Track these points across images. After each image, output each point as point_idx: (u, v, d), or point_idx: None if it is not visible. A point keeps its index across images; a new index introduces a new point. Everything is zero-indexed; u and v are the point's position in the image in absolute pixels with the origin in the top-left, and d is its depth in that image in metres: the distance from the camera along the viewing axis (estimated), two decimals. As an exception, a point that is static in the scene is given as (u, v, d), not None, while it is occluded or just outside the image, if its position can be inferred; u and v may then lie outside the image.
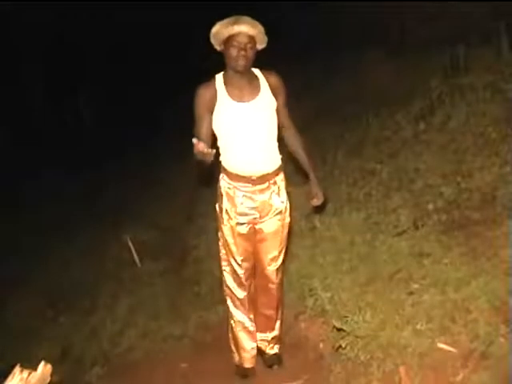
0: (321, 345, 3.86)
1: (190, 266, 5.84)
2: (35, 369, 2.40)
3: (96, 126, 14.46)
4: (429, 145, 5.17)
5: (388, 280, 3.92)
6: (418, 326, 3.36)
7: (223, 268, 3.71)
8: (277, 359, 3.92)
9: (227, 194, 3.47)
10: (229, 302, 3.77)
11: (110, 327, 5.29)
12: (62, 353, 5.22)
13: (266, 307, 3.84)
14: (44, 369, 2.42)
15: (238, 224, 3.51)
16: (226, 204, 3.49)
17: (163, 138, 9.89)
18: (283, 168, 3.60)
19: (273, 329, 3.91)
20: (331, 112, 7.25)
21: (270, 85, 3.45)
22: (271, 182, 3.50)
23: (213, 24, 3.29)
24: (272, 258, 3.70)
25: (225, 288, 3.77)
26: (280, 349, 3.98)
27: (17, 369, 2.37)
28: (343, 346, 3.55)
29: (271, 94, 3.44)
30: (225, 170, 3.48)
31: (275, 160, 3.51)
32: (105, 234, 7.64)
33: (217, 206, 3.59)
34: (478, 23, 6.38)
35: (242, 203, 3.46)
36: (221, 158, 3.48)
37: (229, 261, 3.65)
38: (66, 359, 5.09)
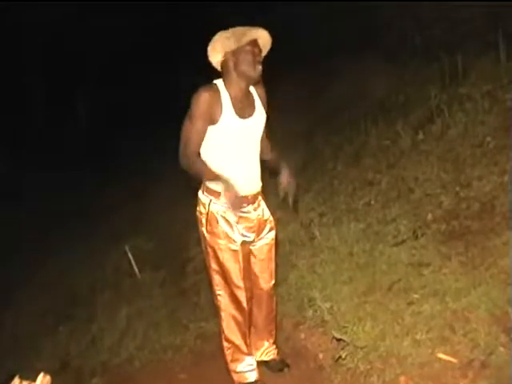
0: (320, 355, 3.84)
1: (189, 276, 5.83)
2: (34, 380, 2.40)
3: (95, 135, 14.48)
4: (428, 154, 5.18)
5: (387, 290, 3.92)
6: (418, 336, 3.36)
7: (218, 293, 3.51)
8: (284, 362, 3.89)
9: (223, 217, 3.36)
10: (225, 326, 3.57)
11: (109, 337, 5.29)
12: (61, 363, 5.21)
13: (266, 321, 3.80)
14: (43, 380, 2.42)
15: (241, 245, 3.42)
16: (225, 228, 3.37)
17: (162, 145, 9.89)
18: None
19: (272, 336, 3.89)
20: (330, 122, 7.27)
21: (260, 98, 3.43)
22: (259, 199, 3.52)
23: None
24: (270, 275, 3.69)
25: (221, 313, 3.55)
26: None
27: (16, 380, 2.36)
28: (343, 356, 3.54)
29: (263, 107, 3.43)
30: (216, 192, 3.34)
31: (260, 177, 3.51)
32: (104, 244, 7.64)
33: (205, 233, 3.43)
34: (476, 32, 6.40)
35: (238, 223, 3.39)
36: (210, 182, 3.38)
37: (227, 286, 3.46)
38: (65, 370, 5.09)
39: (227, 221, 3.37)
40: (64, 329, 5.88)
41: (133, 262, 6.34)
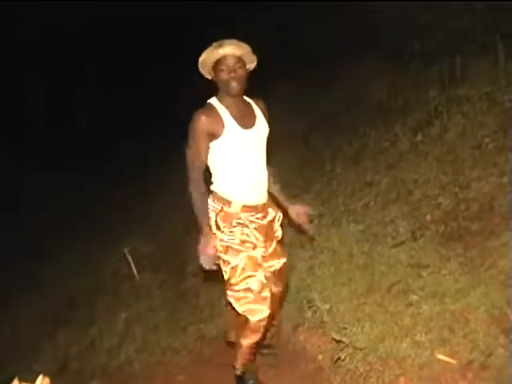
0: (320, 357, 3.85)
1: (188, 278, 5.82)
2: (34, 381, 2.40)
3: (95, 135, 14.47)
4: (426, 156, 5.18)
5: (386, 291, 3.92)
6: (417, 338, 3.36)
7: (242, 296, 3.40)
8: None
9: (240, 224, 3.41)
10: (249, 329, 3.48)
11: (109, 340, 5.29)
12: (60, 366, 5.21)
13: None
14: (42, 382, 2.42)
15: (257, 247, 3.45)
16: (237, 228, 3.41)
17: (162, 148, 9.90)
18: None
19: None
20: (329, 123, 7.26)
21: (261, 110, 3.50)
22: (269, 207, 3.57)
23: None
24: (282, 277, 3.75)
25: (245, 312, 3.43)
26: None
27: (15, 382, 2.36)
28: (342, 357, 3.55)
29: (264, 119, 3.48)
30: (226, 200, 3.40)
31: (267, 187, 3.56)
32: (103, 247, 7.64)
33: (225, 239, 3.41)
34: (474, 34, 6.41)
35: (253, 229, 3.44)
36: (223, 192, 3.42)
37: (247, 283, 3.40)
38: (64, 372, 5.09)
39: (239, 223, 3.40)
40: (63, 332, 5.88)
41: (132, 263, 6.34)
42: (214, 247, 3.37)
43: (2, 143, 13.58)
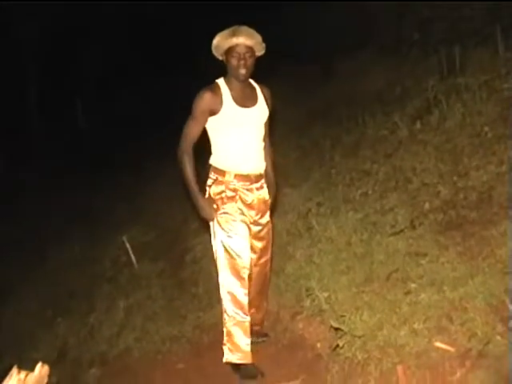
0: (318, 344, 3.85)
1: (187, 267, 5.83)
2: (32, 370, 2.40)
3: (93, 126, 14.47)
4: (425, 145, 5.17)
5: (385, 280, 3.92)
6: (415, 326, 3.36)
7: (224, 267, 3.63)
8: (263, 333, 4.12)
9: (227, 194, 3.63)
10: (227, 300, 3.64)
11: (108, 329, 5.30)
12: (59, 354, 5.23)
13: (259, 296, 3.95)
14: (41, 370, 2.43)
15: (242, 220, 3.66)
16: (228, 202, 3.64)
17: (161, 138, 9.88)
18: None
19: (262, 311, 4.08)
20: (327, 113, 7.26)
21: (264, 95, 3.75)
22: (262, 181, 3.78)
23: (208, 34, 3.56)
24: (267, 251, 3.91)
25: (228, 286, 3.64)
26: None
27: (14, 370, 2.36)
28: (340, 345, 3.55)
29: (265, 104, 3.75)
30: (221, 171, 3.64)
31: (263, 161, 3.80)
32: (102, 236, 7.64)
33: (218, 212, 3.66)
34: (474, 23, 6.39)
35: (238, 200, 3.64)
36: (219, 163, 3.66)
37: (230, 257, 3.62)
38: (63, 360, 5.10)
39: (230, 197, 3.63)
40: (62, 320, 5.89)
41: (130, 251, 6.35)
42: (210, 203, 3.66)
43: (3, 139, 13.62)
